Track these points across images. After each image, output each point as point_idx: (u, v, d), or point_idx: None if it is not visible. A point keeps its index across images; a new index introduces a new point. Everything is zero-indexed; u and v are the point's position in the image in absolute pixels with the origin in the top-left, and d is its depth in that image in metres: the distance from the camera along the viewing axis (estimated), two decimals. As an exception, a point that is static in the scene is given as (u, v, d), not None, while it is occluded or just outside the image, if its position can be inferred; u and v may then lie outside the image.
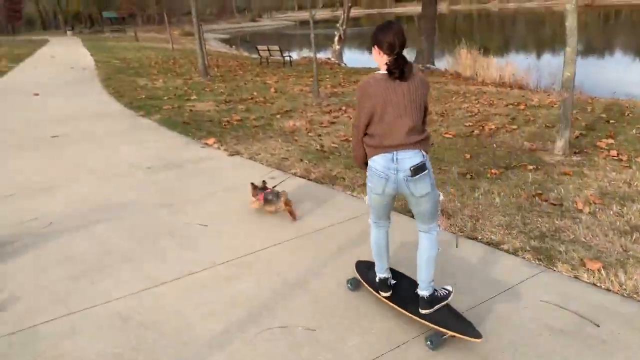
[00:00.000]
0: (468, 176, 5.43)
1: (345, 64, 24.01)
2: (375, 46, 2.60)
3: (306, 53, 32.43)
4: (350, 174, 5.56)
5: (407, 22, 76.48)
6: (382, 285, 2.96)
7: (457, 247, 3.68)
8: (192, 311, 3.05)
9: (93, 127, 8.76)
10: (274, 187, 4.63)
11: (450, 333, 2.60)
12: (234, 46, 51.34)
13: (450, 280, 3.23)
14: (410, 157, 2.55)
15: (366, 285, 3.12)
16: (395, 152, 2.56)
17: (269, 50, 21.24)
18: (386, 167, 2.58)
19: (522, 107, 9.52)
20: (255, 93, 12.30)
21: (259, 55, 22.39)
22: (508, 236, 3.82)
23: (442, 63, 20.60)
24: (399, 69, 2.53)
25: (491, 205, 4.49)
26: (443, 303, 2.75)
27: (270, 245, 3.91)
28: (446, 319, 2.69)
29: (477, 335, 2.56)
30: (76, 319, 3.01)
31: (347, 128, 8.16)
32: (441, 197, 2.75)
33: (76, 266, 3.68)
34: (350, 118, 8.97)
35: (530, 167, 5.71)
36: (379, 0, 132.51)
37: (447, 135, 7.47)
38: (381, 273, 2.98)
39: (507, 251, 3.61)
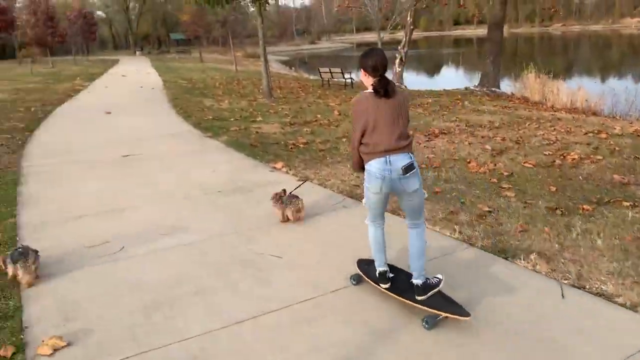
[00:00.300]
0: (558, 212, 4.98)
1: (406, 86, 23.68)
2: (362, 69, 3.13)
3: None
4: (429, 205, 5.23)
5: (466, 44, 75.35)
6: (382, 277, 3.37)
7: (562, 297, 3.27)
8: (271, 357, 2.81)
9: (163, 147, 8.85)
10: (290, 192, 4.98)
11: (444, 314, 3.02)
12: (293, 68, 52.10)
13: (564, 341, 2.84)
14: (401, 159, 3.03)
15: (367, 280, 3.51)
16: (387, 156, 3.03)
17: (330, 72, 21.25)
18: (381, 169, 3.04)
19: (603, 135, 8.89)
20: (319, 115, 12.18)
21: (320, 77, 22.45)
22: (622, 286, 3.37)
23: (507, 86, 19.94)
24: (383, 88, 3.04)
25: (593, 248, 4.04)
26: (435, 290, 3.14)
27: (344, 285, 3.63)
28: (439, 302, 3.09)
29: (466, 313, 2.98)
30: (149, 359, 2.84)
31: (418, 154, 7.84)
32: (425, 195, 3.22)
33: (147, 296, 3.54)
34: (420, 143, 8.65)
35: (626, 203, 5.19)
36: (437, 23, 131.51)
37: (527, 165, 7.00)
38: (380, 267, 3.38)
39: (623, 305, 3.17)
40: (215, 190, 6.07)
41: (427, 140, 8.90)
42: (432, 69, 40.64)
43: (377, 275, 3.38)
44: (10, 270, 3.81)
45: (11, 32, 34.50)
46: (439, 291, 3.16)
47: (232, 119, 11.73)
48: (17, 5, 52.83)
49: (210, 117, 11.95)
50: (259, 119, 11.77)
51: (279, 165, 7.14)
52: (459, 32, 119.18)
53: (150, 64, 42.09)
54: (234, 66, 33.07)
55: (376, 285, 3.40)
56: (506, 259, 3.96)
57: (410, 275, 3.28)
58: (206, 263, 4.05)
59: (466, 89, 20.37)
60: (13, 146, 9.12)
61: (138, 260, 4.14)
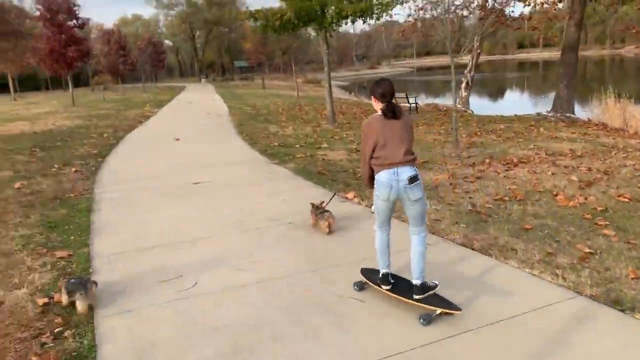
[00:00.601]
0: (672, 255, 4.40)
1: (472, 111, 23.02)
2: (373, 96, 3.62)
3: (429, 100, 31.90)
4: (521, 244, 4.77)
5: (530, 68, 73.00)
6: (384, 280, 3.77)
7: None
8: None
9: (232, 174, 8.79)
10: (325, 204, 5.57)
11: (439, 310, 3.43)
12: (352, 93, 52.25)
13: None
14: (407, 171, 3.48)
15: (371, 284, 3.90)
16: (396, 168, 3.48)
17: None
18: (390, 179, 3.49)
19: None
20: (386, 142, 11.86)
21: (385, 102, 22.15)
22: None
23: (581, 112, 18.93)
24: (391, 112, 3.52)
25: None
26: (432, 291, 3.57)
27: (439, 337, 3.26)
28: (434, 301, 3.51)
29: (457, 308, 3.44)
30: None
31: (498, 185, 7.35)
32: (427, 206, 3.69)
33: (224, 340, 3.31)
34: (499, 173, 8.14)
35: None
36: (500, 46, 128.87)
37: (622, 199, 6.36)
38: (384, 269, 3.80)
39: None
40: (286, 221, 5.85)
41: (507, 170, 8.37)
42: (498, 93, 39.54)
43: (380, 276, 3.81)
44: (64, 298, 3.84)
45: (87, 61, 36.43)
46: (435, 293, 3.60)
47: (297, 146, 11.62)
48: (92, 36, 56.15)
49: (276, 144, 11.88)
50: (324, 145, 11.60)
51: (350, 195, 6.85)
52: (523, 55, 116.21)
53: (215, 91, 43.32)
54: (295, 92, 33.42)
55: (379, 288, 3.81)
56: (622, 311, 3.46)
57: (408, 281, 3.72)
58: (283, 304, 3.79)
59: (538, 114, 19.48)
60: (87, 172, 9.33)
61: (213, 298, 3.93)
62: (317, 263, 4.56)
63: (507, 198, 6.61)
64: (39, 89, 77.10)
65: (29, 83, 76.14)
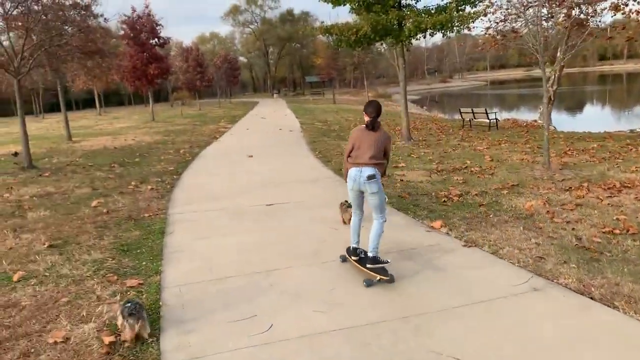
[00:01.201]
0: None
1: (555, 127, 21.56)
2: (365, 112, 4.74)
3: (504, 114, 30.38)
4: (654, 297, 3.98)
5: (613, 81, 68.17)
6: (353, 252, 4.92)
7: None
8: None
9: (307, 194, 8.41)
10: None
11: (379, 277, 4.51)
12: (425, 107, 51.19)
13: None
14: (368, 170, 4.56)
15: (348, 257, 4.98)
16: (361, 167, 4.60)
17: (472, 112, 20.00)
18: (355, 174, 4.64)
19: None
20: (468, 161, 11.09)
21: (461, 117, 21.25)
22: None
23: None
24: (371, 125, 4.63)
25: None
26: (382, 264, 4.60)
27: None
28: (379, 271, 4.54)
29: (392, 279, 4.53)
30: None
31: (603, 214, 6.48)
32: (386, 199, 4.80)
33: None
34: (601, 200, 7.23)
35: None
36: (580, 58, 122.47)
37: None
38: (353, 243, 4.95)
39: None
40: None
41: (610, 196, 7.43)
42: (577, 108, 37.13)
43: (351, 249, 4.97)
44: (119, 322, 3.70)
45: (167, 77, 37.89)
46: (383, 268, 4.56)
47: (373, 165, 11.10)
48: (172, 53, 58.57)
49: (351, 162, 11.43)
50: (402, 164, 11.00)
51: (436, 224, 6.23)
52: (606, 67, 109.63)
53: (286, 106, 43.75)
54: (367, 107, 32.92)
55: (349, 258, 4.96)
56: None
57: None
58: (371, 360, 3.26)
59: (631, 131, 17.90)
60: (162, 190, 9.27)
61: (289, 348, 3.47)
62: (407, 309, 4.00)
63: (617, 231, 5.76)
64: (122, 104, 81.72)
65: (114, 98, 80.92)
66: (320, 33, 14.78)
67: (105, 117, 41.19)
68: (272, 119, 28.49)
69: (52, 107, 69.22)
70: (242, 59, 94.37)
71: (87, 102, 72.49)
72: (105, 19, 18.20)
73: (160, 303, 4.31)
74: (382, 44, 17.11)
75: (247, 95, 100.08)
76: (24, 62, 11.25)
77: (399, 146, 14.29)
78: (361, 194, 4.79)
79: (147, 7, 29.24)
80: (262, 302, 4.23)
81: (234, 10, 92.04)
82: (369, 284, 4.49)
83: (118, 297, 4.42)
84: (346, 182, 4.82)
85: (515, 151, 12.63)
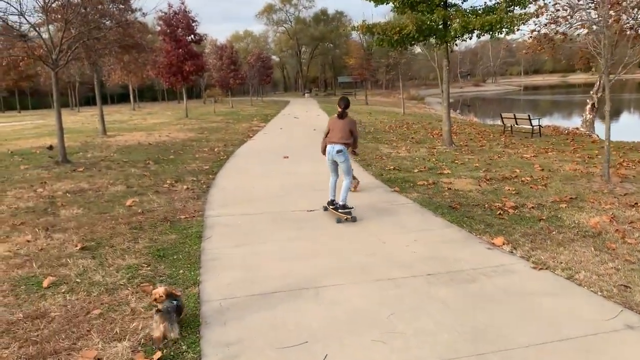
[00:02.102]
0: None
1: (598, 136, 20.61)
2: (338, 105, 6.99)
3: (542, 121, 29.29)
4: None
5: (660, 87, 65.57)
6: (330, 202, 7.11)
7: None
8: None
9: (348, 200, 7.94)
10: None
11: (345, 217, 6.64)
12: (457, 110, 50.22)
13: None
14: (338, 147, 6.68)
15: (327, 207, 7.20)
16: (333, 145, 6.73)
17: (515, 117, 19.23)
18: (329, 149, 6.79)
19: None
20: (517, 170, 10.45)
21: (502, 122, 20.47)
22: None
23: None
24: (340, 115, 6.82)
25: None
26: (347, 210, 6.77)
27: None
28: (346, 213, 6.72)
29: (355, 219, 6.63)
30: None
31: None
32: (352, 169, 7.11)
33: None
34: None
35: None
36: (618, 64, 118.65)
37: None
38: (330, 197, 7.13)
39: None
40: (423, 271, 4.83)
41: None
42: (616, 116, 35.62)
43: (329, 201, 7.16)
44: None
45: (201, 75, 37.95)
46: (349, 212, 6.75)
47: (416, 170, 10.56)
48: (206, 50, 58.84)
49: (392, 167, 10.90)
50: (447, 171, 10.42)
51: (498, 241, 5.68)
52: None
53: (318, 106, 43.36)
54: (398, 109, 32.38)
55: (329, 207, 7.12)
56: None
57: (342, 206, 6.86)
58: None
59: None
60: (198, 190, 8.93)
61: (349, 386, 3.01)
62: (479, 341, 3.50)
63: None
64: (156, 100, 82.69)
65: (148, 94, 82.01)
66: (361, 31, 14.28)
67: (139, 112, 41.52)
68: (305, 119, 28.10)
69: (87, 101, 70.52)
70: (274, 57, 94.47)
71: (122, 97, 73.64)
72: (143, 13, 18.14)
73: (200, 320, 3.90)
74: (424, 44, 16.54)
75: (278, 94, 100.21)
76: (62, 55, 11.08)
77: (441, 151, 13.69)
78: (334, 163, 7.02)
79: (183, 3, 29.23)
80: (312, 325, 3.78)
81: (268, 9, 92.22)
82: (339, 221, 6.68)
83: (154, 311, 4.03)
84: (322, 153, 7.06)
85: (565, 160, 11.91)
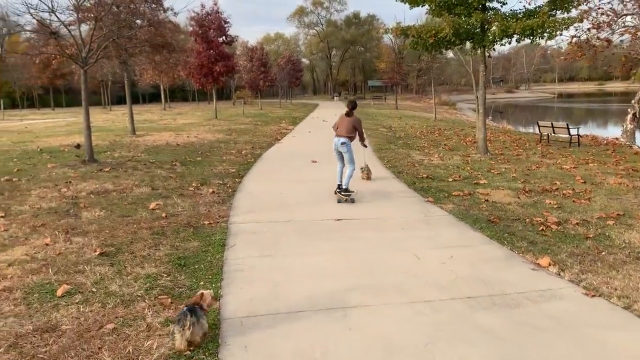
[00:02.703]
0: None
1: (639, 147, 19.71)
2: (346, 106, 8.50)
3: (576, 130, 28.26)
4: None
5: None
6: (338, 187, 8.23)
7: None
8: None
9: (378, 210, 7.57)
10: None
11: (345, 198, 8.02)
12: (490, 117, 49.22)
13: None
14: (342, 139, 8.16)
15: (337, 191, 8.27)
16: (338, 137, 8.21)
17: (552, 126, 18.51)
18: (335, 141, 8.27)
19: None
20: (557, 182, 9.90)
21: (539, 131, 19.75)
22: None
23: None
24: (347, 114, 8.32)
25: None
26: (349, 193, 8.09)
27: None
28: (347, 196, 8.06)
29: (353, 201, 7.99)
30: None
31: None
32: (354, 158, 8.32)
33: None
34: None
35: None
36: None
37: None
38: (337, 182, 8.27)
39: None
40: (463, 294, 4.42)
41: None
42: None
43: (337, 185, 8.29)
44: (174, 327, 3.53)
45: (231, 76, 38.02)
46: (350, 195, 8.05)
47: (450, 179, 10.10)
48: (237, 52, 59.10)
49: (424, 176, 10.46)
50: (483, 181, 9.93)
51: (543, 261, 5.22)
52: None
53: (347, 109, 42.92)
54: (428, 114, 31.79)
55: (337, 190, 8.30)
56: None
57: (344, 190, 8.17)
58: None
59: None
60: (223, 194, 8.68)
61: None
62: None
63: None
64: (186, 100, 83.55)
65: (179, 94, 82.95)
66: (395, 34, 13.91)
67: (169, 112, 41.85)
68: (334, 123, 27.73)
69: (120, 99, 71.65)
70: (304, 60, 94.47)
71: (153, 96, 74.58)
72: (174, 12, 18.08)
73: (219, 341, 3.59)
74: (460, 49, 16.04)
75: (306, 96, 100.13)
76: (92, 54, 11.00)
77: (475, 159, 13.16)
78: (339, 153, 8.34)
79: (215, 4, 29.27)
80: (344, 355, 3.43)
81: (300, 12, 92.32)
82: (340, 201, 8.03)
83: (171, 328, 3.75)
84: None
85: (608, 173, 11.28)
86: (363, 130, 8.60)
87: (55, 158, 12.63)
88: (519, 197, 8.49)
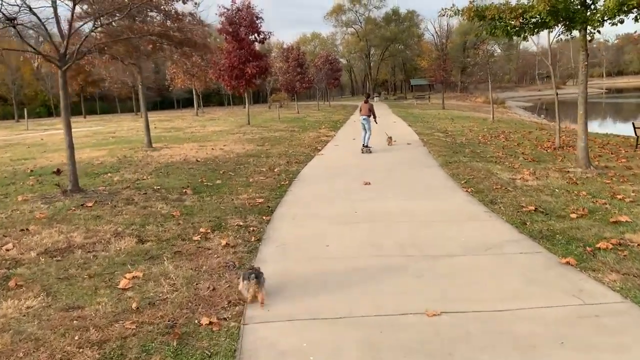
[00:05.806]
0: None
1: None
2: (364, 96, 18.87)
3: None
4: None
5: None
6: (363, 147, 15.15)
7: None
8: None
9: (492, 290, 4.50)
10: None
11: (365, 151, 15.06)
12: (542, 115, 45.32)
13: None
14: (364, 118, 15.41)
15: (362, 148, 15.19)
16: (362, 116, 15.51)
17: (655, 128, 14.97)
18: (361, 118, 15.55)
19: None
20: None
21: (635, 134, 16.18)
22: None
23: None
24: (365, 101, 16.02)
25: None
26: (369, 148, 15.06)
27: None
28: (368, 150, 14.99)
29: (370, 151, 15.07)
30: None
31: None
32: (371, 128, 15.42)
33: None
34: None
35: None
36: None
37: None
38: (362, 142, 15.29)
39: None
40: None
41: None
42: None
43: (362, 145, 15.21)
44: (240, 285, 4.25)
45: (265, 77, 35.39)
46: (369, 149, 15.03)
47: (571, 214, 6.90)
48: (272, 55, 56.68)
49: (531, 208, 7.27)
50: (624, 218, 6.66)
51: None
52: None
53: (391, 111, 39.81)
54: (479, 114, 28.41)
55: (363, 148, 15.10)
56: None
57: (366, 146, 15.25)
58: None
59: None
60: (242, 247, 5.84)
61: None
62: None
63: None
64: (222, 105, 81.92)
65: (214, 98, 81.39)
66: (468, 16, 10.80)
67: (201, 118, 39.58)
68: (380, 127, 24.61)
69: (154, 105, 70.43)
70: (342, 60, 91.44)
71: (187, 101, 73.13)
72: (195, 2, 15.44)
73: None
74: (549, 31, 12.79)
75: (345, 98, 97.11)
76: (74, 50, 8.32)
77: (580, 177, 9.84)
78: (363, 125, 15.20)
79: (247, -4, 26.45)
80: None
81: (337, 10, 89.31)
82: (363, 151, 14.89)
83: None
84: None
85: None
86: (375, 111, 15.73)
87: (40, 184, 10.04)
88: None
